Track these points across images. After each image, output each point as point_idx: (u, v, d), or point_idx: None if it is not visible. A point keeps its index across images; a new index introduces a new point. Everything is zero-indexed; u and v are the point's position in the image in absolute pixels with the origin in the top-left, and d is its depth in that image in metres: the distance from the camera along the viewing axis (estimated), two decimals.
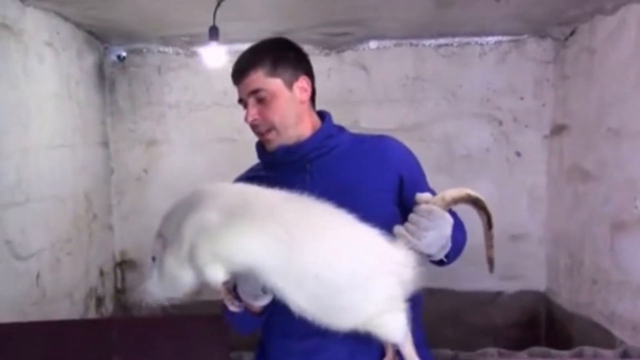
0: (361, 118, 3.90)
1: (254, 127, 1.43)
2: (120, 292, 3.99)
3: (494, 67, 3.89)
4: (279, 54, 1.44)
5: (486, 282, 3.91)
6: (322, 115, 1.52)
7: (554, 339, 3.82)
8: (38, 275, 2.82)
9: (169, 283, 1.26)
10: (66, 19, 3.19)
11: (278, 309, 1.24)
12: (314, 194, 1.29)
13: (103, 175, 3.83)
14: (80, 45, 3.47)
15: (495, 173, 3.95)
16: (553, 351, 2.34)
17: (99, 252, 3.65)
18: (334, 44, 3.88)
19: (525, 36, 3.84)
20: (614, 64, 3.10)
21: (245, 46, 4.30)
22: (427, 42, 3.88)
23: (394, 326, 1.22)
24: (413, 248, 1.24)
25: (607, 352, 2.33)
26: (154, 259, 1.28)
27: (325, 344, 1.31)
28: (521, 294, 4.07)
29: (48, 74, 3.01)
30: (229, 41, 3.55)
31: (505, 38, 3.85)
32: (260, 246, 1.17)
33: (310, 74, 1.48)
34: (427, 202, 1.25)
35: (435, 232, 1.24)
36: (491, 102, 3.91)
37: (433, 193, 1.33)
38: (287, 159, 1.45)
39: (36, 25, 2.87)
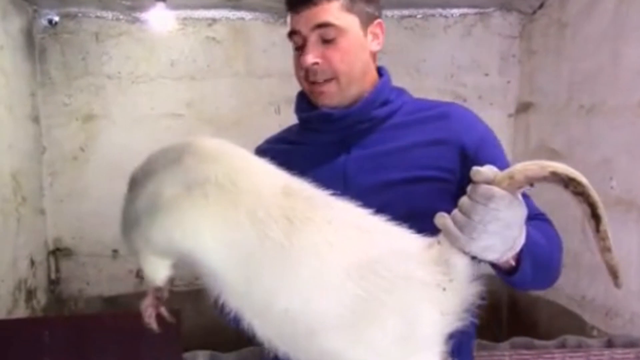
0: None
1: (308, 74, 1.13)
2: (54, 283, 3.61)
3: (458, 41, 3.70)
4: None
5: None
6: (380, 73, 1.23)
7: (518, 323, 3.72)
8: None
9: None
10: None
11: None
12: (347, 178, 1.06)
13: (33, 154, 3.43)
14: (4, 5, 3.05)
15: None
16: (536, 342, 2.19)
17: (29, 240, 3.27)
18: None
19: (492, 9, 3.67)
20: (587, 39, 2.97)
21: (195, 13, 3.91)
22: (390, 12, 3.63)
23: None
24: (462, 250, 0.85)
25: (592, 342, 2.20)
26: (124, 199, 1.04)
27: None
28: (481, 277, 3.94)
29: None
30: (176, 6, 3.23)
31: (470, 10, 3.66)
32: (215, 251, 0.87)
33: (381, 16, 1.20)
34: (487, 181, 0.85)
35: (497, 229, 0.83)
36: (455, 78, 3.73)
37: None
38: (324, 127, 1.17)
39: None
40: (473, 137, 1.15)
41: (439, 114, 1.18)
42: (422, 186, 1.10)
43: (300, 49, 1.15)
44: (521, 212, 0.86)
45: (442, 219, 0.88)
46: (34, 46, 3.47)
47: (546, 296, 3.38)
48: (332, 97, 1.15)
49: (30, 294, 3.29)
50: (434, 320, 0.85)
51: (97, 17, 3.52)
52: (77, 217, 3.52)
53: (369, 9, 1.17)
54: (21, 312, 3.11)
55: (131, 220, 0.96)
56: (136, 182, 0.99)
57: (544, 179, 0.86)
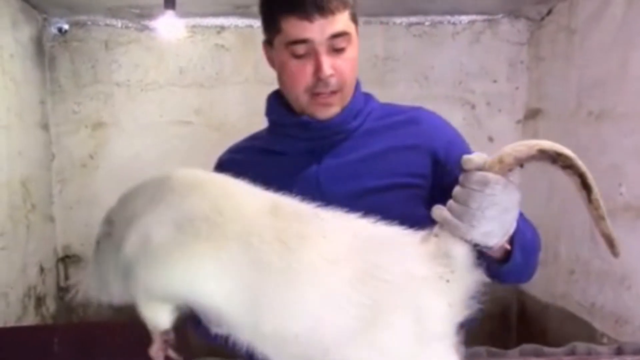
0: None
1: (319, 84, 1.08)
2: (63, 290, 3.62)
3: (467, 48, 3.69)
4: None
5: None
6: None
7: (527, 330, 3.70)
8: None
9: (100, 284, 0.98)
10: None
11: None
12: (319, 187, 1.03)
13: (42, 161, 3.45)
14: (14, 14, 3.08)
15: None
16: (546, 349, 2.17)
17: (38, 247, 3.29)
18: None
19: (500, 16, 3.66)
20: (595, 45, 2.96)
21: (204, 21, 3.91)
22: (398, 20, 3.65)
23: None
24: (463, 238, 0.86)
25: (602, 349, 2.18)
26: (98, 243, 1.00)
27: None
28: (492, 285, 3.91)
29: None
30: (185, 14, 3.25)
31: (479, 17, 3.66)
32: (216, 289, 0.86)
33: None
34: (478, 167, 0.87)
35: (496, 213, 0.85)
36: (464, 84, 3.72)
37: None
38: (301, 134, 1.14)
39: None
40: (443, 141, 1.15)
41: (409, 119, 1.17)
42: (396, 193, 1.10)
43: (301, 57, 1.09)
44: (516, 194, 0.87)
45: (439, 210, 0.89)
46: (43, 54, 3.50)
47: (556, 303, 3.36)
48: (336, 108, 1.13)
49: (40, 301, 3.30)
50: (442, 313, 0.86)
51: (106, 25, 3.55)
52: (86, 224, 3.53)
53: (357, 17, 1.14)
54: (31, 319, 3.12)
55: (121, 267, 0.92)
56: (115, 225, 0.96)
57: (532, 157, 0.87)
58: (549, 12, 3.42)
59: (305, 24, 1.05)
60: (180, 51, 3.54)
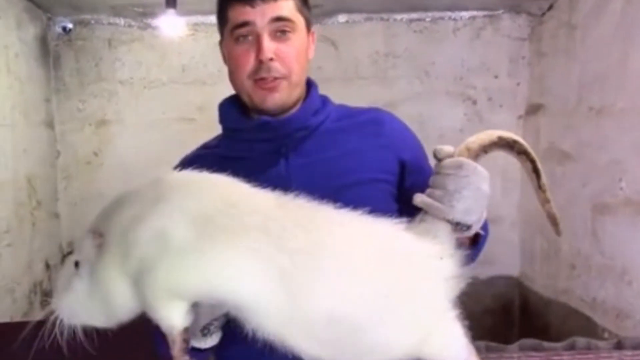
0: (330, 97, 3.66)
1: (261, 68, 1.10)
2: None
3: (468, 43, 3.70)
4: None
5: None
6: (309, 81, 1.22)
7: (529, 325, 3.72)
8: None
9: (100, 304, 0.94)
10: None
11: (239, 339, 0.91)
12: (290, 185, 1.00)
13: (48, 159, 3.49)
14: (19, 14, 3.11)
15: None
16: (545, 344, 2.18)
17: (44, 243, 3.32)
18: None
19: (500, 11, 3.67)
20: (596, 40, 2.96)
21: (206, 19, 3.93)
22: (399, 16, 3.66)
23: (450, 345, 0.94)
24: (445, 219, 0.94)
25: (601, 344, 2.20)
26: (77, 264, 0.95)
27: None
28: (494, 280, 3.94)
29: None
30: (187, 12, 3.27)
31: (479, 13, 3.67)
32: (252, 280, 0.86)
33: None
34: (450, 155, 0.97)
35: (471, 192, 0.94)
36: (465, 80, 3.73)
37: None
38: (261, 136, 1.14)
39: None
40: (407, 145, 1.21)
41: (371, 119, 1.20)
42: (369, 188, 1.12)
43: (245, 43, 1.11)
44: (485, 175, 0.96)
45: (419, 197, 0.98)
46: (48, 53, 3.53)
47: (557, 298, 3.38)
48: (282, 95, 1.12)
49: (46, 297, 3.33)
50: (442, 287, 0.93)
51: (109, 24, 3.58)
52: (90, 220, 3.55)
53: (309, 16, 1.17)
54: (37, 315, 3.15)
55: (128, 275, 0.90)
56: (107, 237, 0.94)
57: (494, 144, 0.99)
58: (550, 8, 3.43)
59: (247, 9, 1.08)
60: (183, 49, 3.57)
